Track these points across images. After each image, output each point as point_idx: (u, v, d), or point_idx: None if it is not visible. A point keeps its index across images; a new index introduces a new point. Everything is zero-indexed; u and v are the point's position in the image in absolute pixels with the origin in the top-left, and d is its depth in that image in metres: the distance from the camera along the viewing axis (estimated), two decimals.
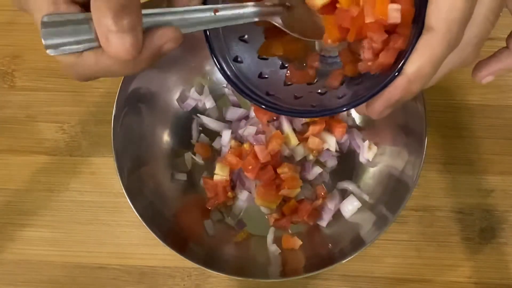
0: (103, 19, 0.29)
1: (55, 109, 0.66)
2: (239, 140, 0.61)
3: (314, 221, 0.59)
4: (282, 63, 0.43)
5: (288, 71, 0.43)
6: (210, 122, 0.63)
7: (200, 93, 0.63)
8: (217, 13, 0.35)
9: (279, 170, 0.58)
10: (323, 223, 0.59)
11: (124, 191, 0.53)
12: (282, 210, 0.59)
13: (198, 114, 0.63)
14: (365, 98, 0.36)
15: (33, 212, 0.63)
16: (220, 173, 0.59)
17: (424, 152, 0.52)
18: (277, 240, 0.59)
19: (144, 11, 0.32)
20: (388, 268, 0.59)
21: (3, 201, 0.64)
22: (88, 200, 0.63)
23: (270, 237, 0.59)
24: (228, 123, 0.63)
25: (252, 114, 0.61)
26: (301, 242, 0.58)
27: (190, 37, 0.59)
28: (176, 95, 0.62)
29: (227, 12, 0.36)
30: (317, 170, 0.60)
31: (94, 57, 0.32)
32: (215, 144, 0.63)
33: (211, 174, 0.60)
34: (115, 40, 0.30)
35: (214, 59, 0.39)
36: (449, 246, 0.59)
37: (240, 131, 0.61)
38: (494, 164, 0.61)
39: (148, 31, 0.32)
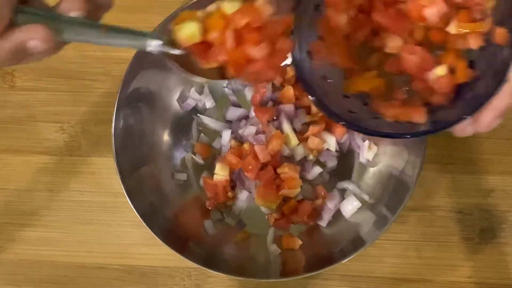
0: None
1: (55, 109, 0.66)
2: (239, 140, 0.61)
3: (314, 221, 0.59)
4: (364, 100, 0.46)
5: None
6: (210, 122, 0.63)
7: (200, 93, 0.63)
8: (105, 34, 0.36)
9: (279, 170, 0.58)
10: (323, 223, 0.59)
11: (124, 191, 0.53)
12: (282, 210, 0.59)
13: (198, 114, 0.63)
14: (458, 118, 0.38)
15: (33, 212, 0.63)
16: (220, 173, 0.59)
17: (424, 152, 0.51)
18: (277, 240, 0.59)
19: (24, 7, 0.32)
20: (388, 268, 0.59)
21: (3, 201, 0.64)
22: (88, 200, 0.63)
23: (270, 237, 0.59)
24: (228, 123, 0.63)
25: (252, 114, 0.61)
26: (301, 242, 0.58)
27: None
28: (176, 95, 0.62)
29: (115, 41, 0.37)
30: (317, 170, 0.60)
31: None
32: (215, 144, 0.63)
33: (211, 174, 0.60)
34: None
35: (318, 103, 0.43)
36: (449, 246, 0.59)
37: (240, 131, 0.61)
38: (494, 164, 0.61)
39: (17, 26, 0.32)
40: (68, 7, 0.34)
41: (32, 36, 0.32)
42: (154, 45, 0.38)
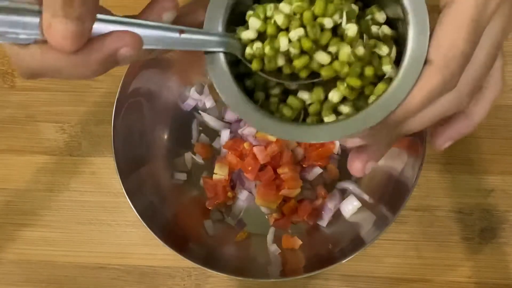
0: (52, 4, 0.27)
1: (55, 109, 0.66)
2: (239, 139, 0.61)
3: (314, 221, 0.59)
4: None
5: None
6: (211, 120, 0.63)
7: (200, 93, 0.63)
8: (182, 35, 0.34)
9: (279, 171, 0.58)
10: (323, 223, 0.59)
11: (124, 191, 0.53)
12: (282, 210, 0.59)
13: (200, 111, 0.63)
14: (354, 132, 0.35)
15: (33, 212, 0.63)
16: (219, 173, 0.59)
17: (424, 152, 0.51)
18: (277, 240, 0.59)
19: (103, 16, 0.31)
20: (388, 268, 0.59)
21: (3, 201, 0.64)
22: (88, 200, 0.63)
23: (270, 237, 0.59)
24: (228, 124, 0.63)
25: None
26: (301, 242, 0.58)
27: None
28: (176, 95, 0.62)
29: (192, 36, 0.35)
30: (317, 170, 0.60)
31: (40, 50, 0.30)
32: (215, 144, 0.63)
33: (211, 174, 0.60)
34: (57, 25, 0.28)
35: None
36: (449, 246, 0.59)
37: (240, 131, 0.61)
38: (494, 164, 0.61)
39: (103, 34, 0.31)
40: (160, 9, 0.34)
41: (122, 43, 0.31)
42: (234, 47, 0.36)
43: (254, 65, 0.36)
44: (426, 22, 0.34)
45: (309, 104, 0.38)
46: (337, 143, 0.60)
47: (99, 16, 0.31)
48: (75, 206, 0.63)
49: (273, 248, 0.58)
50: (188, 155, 0.62)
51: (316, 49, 0.35)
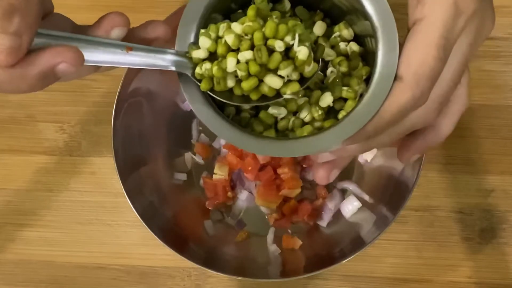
0: None
1: (55, 109, 0.66)
2: None
3: (314, 221, 0.59)
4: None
5: None
6: None
7: None
8: (130, 52, 0.33)
9: (279, 171, 0.58)
10: (323, 223, 0.59)
11: (124, 191, 0.53)
12: (282, 210, 0.59)
13: None
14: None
15: (33, 212, 0.63)
16: (219, 173, 0.59)
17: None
18: (277, 240, 0.59)
19: (44, 30, 0.31)
20: (388, 268, 0.59)
21: (3, 201, 0.64)
22: (88, 200, 0.63)
23: (270, 237, 0.59)
24: None
25: None
26: (301, 242, 0.58)
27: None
28: (176, 95, 0.62)
29: (140, 53, 0.34)
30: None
31: None
32: (215, 144, 0.63)
33: (211, 174, 0.60)
34: None
35: None
36: (449, 246, 0.59)
37: None
38: (494, 164, 0.61)
39: (41, 49, 0.30)
40: (111, 23, 0.33)
41: (60, 59, 0.30)
42: (180, 66, 0.35)
43: (203, 85, 0.35)
44: (396, 39, 0.35)
45: (281, 119, 0.37)
46: None
47: (41, 31, 0.31)
48: (75, 206, 0.63)
49: (273, 248, 0.58)
50: (188, 155, 0.62)
51: (266, 73, 0.34)
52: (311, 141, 0.35)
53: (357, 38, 0.39)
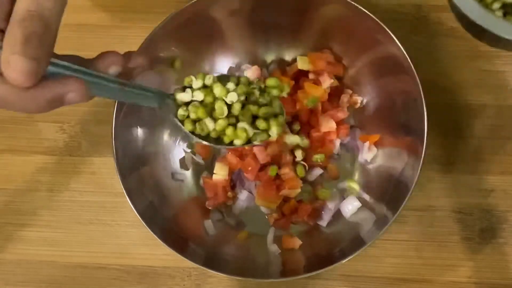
0: (13, 43, 0.30)
1: (55, 109, 0.65)
2: None
3: (314, 221, 0.59)
4: None
5: None
6: None
7: None
8: (125, 88, 0.39)
9: (279, 171, 0.58)
10: (323, 223, 0.59)
11: (124, 191, 0.53)
12: (282, 210, 0.59)
13: None
14: None
15: (33, 212, 0.63)
16: (219, 173, 0.59)
17: (424, 152, 0.51)
18: (277, 240, 0.59)
19: (56, 61, 0.34)
20: (388, 268, 0.59)
21: (3, 201, 0.64)
22: (88, 200, 0.63)
23: (270, 237, 0.59)
24: None
25: None
26: (301, 242, 0.58)
27: (190, 37, 0.59)
28: None
29: (132, 90, 0.41)
30: (318, 171, 0.60)
31: None
32: None
33: (211, 174, 0.60)
34: (15, 61, 0.30)
35: None
36: (449, 246, 0.59)
37: None
38: (494, 164, 0.61)
39: (56, 76, 0.34)
40: (108, 62, 0.38)
41: (71, 89, 0.35)
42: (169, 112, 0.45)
43: (187, 126, 0.46)
44: None
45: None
46: (337, 144, 0.60)
47: (53, 60, 0.34)
48: (75, 206, 0.63)
49: (273, 248, 0.58)
50: (188, 155, 0.62)
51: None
52: None
53: None
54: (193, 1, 0.55)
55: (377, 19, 0.53)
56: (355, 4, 0.53)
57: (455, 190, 0.60)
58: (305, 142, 0.59)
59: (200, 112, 0.45)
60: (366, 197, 0.58)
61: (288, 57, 0.63)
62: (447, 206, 0.60)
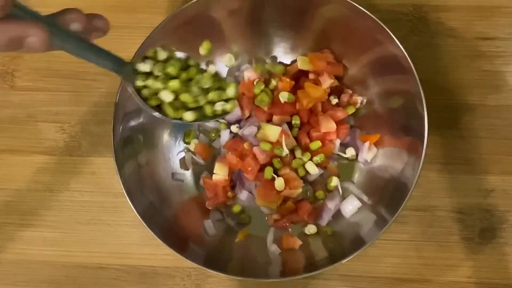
0: None
1: (55, 109, 0.66)
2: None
3: (314, 221, 0.59)
4: None
5: None
6: (210, 122, 0.63)
7: None
8: (85, 45, 0.39)
9: (280, 172, 0.58)
10: (323, 223, 0.59)
11: (124, 191, 0.53)
12: (282, 210, 0.59)
13: None
14: None
15: (33, 212, 0.63)
16: (219, 173, 0.59)
17: (424, 152, 0.52)
18: (277, 240, 0.59)
19: (24, 6, 0.35)
20: (388, 268, 0.59)
21: (3, 201, 0.64)
22: (88, 200, 0.63)
23: (270, 237, 0.59)
24: (228, 124, 0.63)
25: (252, 114, 0.61)
26: (301, 242, 0.58)
27: (190, 37, 0.59)
28: None
29: (93, 48, 0.40)
30: (318, 171, 0.60)
31: None
32: (215, 144, 0.63)
33: (211, 174, 0.60)
34: None
35: None
36: (449, 246, 0.59)
37: (240, 131, 0.61)
38: (494, 164, 0.61)
39: (21, 19, 0.34)
40: (71, 18, 0.37)
41: (32, 33, 0.34)
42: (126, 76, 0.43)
43: (152, 102, 0.43)
44: None
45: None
46: (337, 144, 0.60)
47: (21, 5, 0.35)
48: (75, 206, 0.63)
49: (273, 248, 0.58)
50: (188, 155, 0.62)
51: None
52: None
53: None
54: (193, 1, 0.55)
55: (377, 19, 0.53)
56: (355, 4, 0.53)
57: (455, 190, 0.60)
58: (315, 169, 0.59)
59: (160, 84, 0.43)
60: (366, 197, 0.58)
61: (288, 57, 0.63)
62: (447, 206, 0.60)
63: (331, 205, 0.59)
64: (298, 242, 0.58)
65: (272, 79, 0.60)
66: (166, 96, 0.43)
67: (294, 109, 0.60)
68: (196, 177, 0.62)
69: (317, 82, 0.60)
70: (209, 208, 0.60)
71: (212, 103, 0.45)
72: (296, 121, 0.60)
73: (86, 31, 0.39)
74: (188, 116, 0.44)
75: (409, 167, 0.54)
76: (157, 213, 0.56)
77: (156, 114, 0.44)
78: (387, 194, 0.56)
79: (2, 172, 0.64)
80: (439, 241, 0.59)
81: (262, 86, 0.60)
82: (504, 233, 0.59)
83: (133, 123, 0.57)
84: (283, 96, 0.59)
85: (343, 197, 0.59)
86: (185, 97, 0.44)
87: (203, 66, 0.46)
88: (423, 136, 0.52)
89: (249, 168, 0.58)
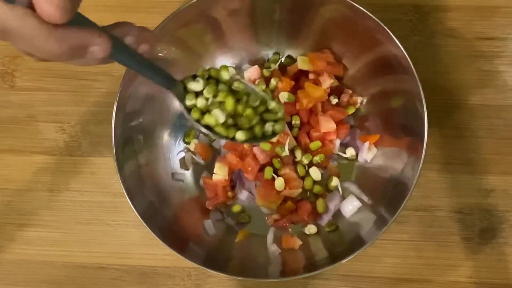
0: None
1: (55, 109, 0.66)
2: None
3: (314, 221, 0.59)
4: None
5: None
6: None
7: None
8: (141, 59, 0.38)
9: (280, 172, 0.58)
10: (323, 223, 0.59)
11: (124, 191, 0.53)
12: (282, 210, 0.59)
13: None
14: None
15: (33, 212, 0.63)
16: (219, 173, 0.59)
17: (424, 152, 0.51)
18: (277, 240, 0.59)
19: (84, 16, 0.33)
20: (388, 268, 0.59)
21: (3, 201, 0.64)
22: (88, 200, 0.63)
23: (270, 237, 0.59)
24: None
25: None
26: (301, 242, 0.58)
27: (190, 37, 0.59)
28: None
29: (148, 63, 0.39)
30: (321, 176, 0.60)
31: (23, 12, 0.30)
32: (215, 144, 0.63)
33: (211, 174, 0.60)
34: None
35: None
36: (449, 246, 0.59)
37: None
38: (494, 164, 0.61)
39: (87, 27, 0.33)
40: (124, 31, 0.36)
41: (96, 42, 0.33)
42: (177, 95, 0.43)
43: (194, 115, 0.43)
44: None
45: None
46: (337, 143, 0.60)
47: (82, 14, 0.33)
48: (75, 206, 0.63)
49: (273, 248, 0.58)
50: (188, 155, 0.62)
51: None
52: None
53: None
54: (193, 1, 0.55)
55: (377, 19, 0.53)
56: (355, 4, 0.53)
57: (455, 190, 0.60)
58: (318, 175, 0.60)
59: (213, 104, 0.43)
60: (366, 197, 0.58)
61: (288, 57, 0.63)
62: (447, 206, 0.60)
63: (331, 205, 0.59)
64: (298, 242, 0.58)
65: (272, 79, 0.61)
66: (219, 116, 0.42)
67: (294, 109, 0.60)
68: (196, 177, 0.62)
69: (317, 82, 0.60)
70: (209, 208, 0.60)
71: (262, 123, 0.45)
72: (296, 121, 0.60)
73: (135, 44, 0.38)
74: (240, 136, 0.44)
75: (409, 167, 0.54)
76: (157, 213, 0.56)
77: (206, 131, 0.43)
78: (387, 194, 0.56)
79: (2, 172, 0.64)
80: (439, 241, 0.59)
81: (263, 86, 0.60)
82: (504, 233, 0.59)
83: (133, 123, 0.57)
84: (283, 96, 0.59)
85: (343, 197, 0.59)
86: (240, 120, 0.43)
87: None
88: (423, 136, 0.52)
89: (249, 168, 0.58)
